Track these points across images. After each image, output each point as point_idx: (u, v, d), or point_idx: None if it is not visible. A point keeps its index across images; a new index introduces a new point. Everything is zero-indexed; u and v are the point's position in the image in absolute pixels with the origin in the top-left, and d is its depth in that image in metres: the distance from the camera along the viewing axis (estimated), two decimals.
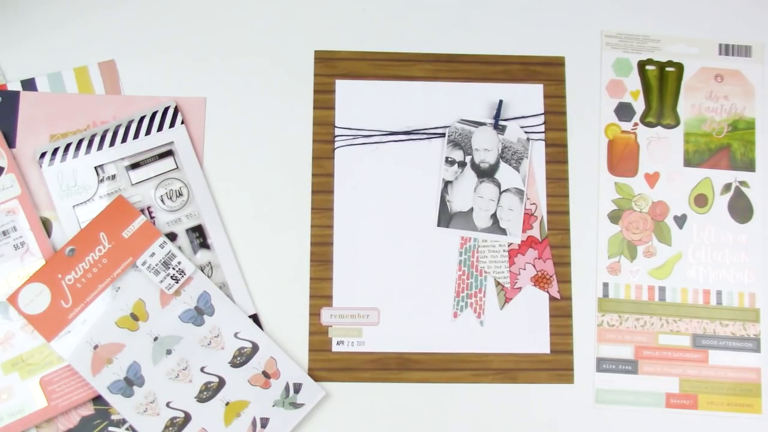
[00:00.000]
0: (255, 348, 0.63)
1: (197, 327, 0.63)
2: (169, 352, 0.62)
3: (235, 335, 0.63)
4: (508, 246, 0.67)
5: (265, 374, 0.63)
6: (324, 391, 0.64)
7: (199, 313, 0.63)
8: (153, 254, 0.63)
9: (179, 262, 0.63)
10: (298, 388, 0.63)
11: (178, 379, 0.62)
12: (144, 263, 0.62)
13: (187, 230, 0.65)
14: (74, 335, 0.61)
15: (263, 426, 0.62)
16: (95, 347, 0.61)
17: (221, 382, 0.63)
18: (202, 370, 0.63)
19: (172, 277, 0.62)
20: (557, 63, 0.70)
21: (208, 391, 0.62)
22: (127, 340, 0.62)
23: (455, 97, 0.69)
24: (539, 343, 0.66)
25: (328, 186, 0.67)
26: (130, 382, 0.61)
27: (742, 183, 0.69)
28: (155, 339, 0.62)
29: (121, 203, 0.63)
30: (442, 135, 0.68)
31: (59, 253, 0.62)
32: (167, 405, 0.62)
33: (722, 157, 0.70)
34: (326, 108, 0.68)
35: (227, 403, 0.62)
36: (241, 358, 0.63)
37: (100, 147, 0.65)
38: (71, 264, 0.62)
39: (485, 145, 0.68)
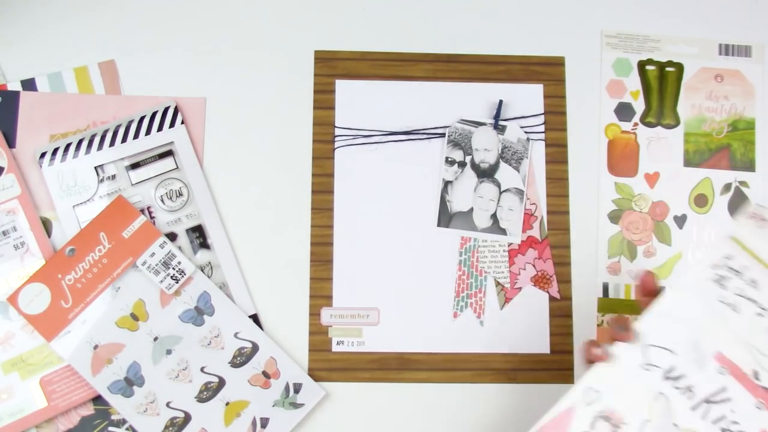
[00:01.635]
0: (255, 348, 0.63)
1: (197, 327, 0.63)
2: (169, 352, 0.62)
3: (235, 335, 0.63)
4: (508, 246, 0.67)
5: (265, 374, 0.63)
6: (324, 391, 0.64)
7: (199, 313, 0.63)
8: (153, 254, 0.63)
9: (179, 262, 0.63)
10: (298, 388, 0.63)
11: (178, 379, 0.62)
12: (144, 263, 0.62)
13: (187, 230, 0.65)
14: (74, 335, 0.61)
15: (263, 426, 0.62)
16: (95, 347, 0.61)
17: (221, 382, 0.63)
18: (202, 370, 0.63)
19: (172, 277, 0.62)
20: (557, 63, 0.70)
21: (208, 391, 0.62)
22: (127, 340, 0.62)
23: (455, 97, 0.69)
24: (539, 343, 0.66)
25: (328, 186, 0.67)
26: (130, 382, 0.61)
27: (742, 183, 0.69)
28: (155, 339, 0.62)
29: (121, 203, 0.63)
30: (442, 135, 0.68)
31: (59, 253, 0.62)
32: (167, 405, 0.62)
33: (722, 157, 0.70)
34: (326, 108, 0.68)
35: (227, 403, 0.62)
36: (241, 358, 0.63)
37: (100, 147, 0.65)
38: (71, 264, 0.62)
39: (485, 145, 0.68)
